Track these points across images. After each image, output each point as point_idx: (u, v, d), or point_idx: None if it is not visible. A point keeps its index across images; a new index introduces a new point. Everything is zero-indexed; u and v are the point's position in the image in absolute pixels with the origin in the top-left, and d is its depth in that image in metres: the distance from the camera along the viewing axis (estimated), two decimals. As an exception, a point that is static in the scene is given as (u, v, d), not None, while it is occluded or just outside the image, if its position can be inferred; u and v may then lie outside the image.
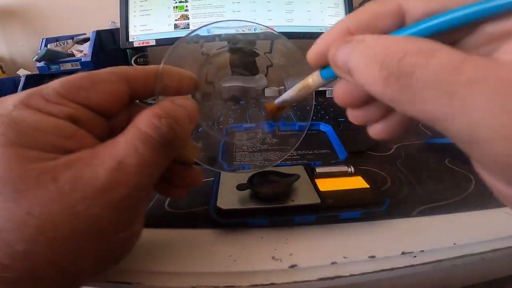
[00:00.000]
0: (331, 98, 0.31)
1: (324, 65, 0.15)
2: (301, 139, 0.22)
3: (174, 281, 0.20)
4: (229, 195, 0.24)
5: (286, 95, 0.18)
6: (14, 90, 0.65)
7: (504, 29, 0.11)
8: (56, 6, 0.82)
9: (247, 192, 0.24)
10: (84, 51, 0.67)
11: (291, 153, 0.27)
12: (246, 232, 0.23)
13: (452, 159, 0.33)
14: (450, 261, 0.21)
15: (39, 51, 0.62)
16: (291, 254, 0.21)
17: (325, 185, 0.25)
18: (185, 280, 0.20)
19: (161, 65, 0.19)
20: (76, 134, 0.15)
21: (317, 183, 0.26)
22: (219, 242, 0.22)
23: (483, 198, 0.26)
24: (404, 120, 0.15)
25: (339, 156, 0.32)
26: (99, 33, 0.65)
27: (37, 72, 0.64)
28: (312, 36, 0.59)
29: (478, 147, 0.10)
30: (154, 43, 0.58)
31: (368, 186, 0.25)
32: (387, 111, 0.15)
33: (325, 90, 0.57)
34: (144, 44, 0.58)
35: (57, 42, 0.68)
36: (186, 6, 0.57)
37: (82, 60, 0.63)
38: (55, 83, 0.16)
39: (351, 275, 0.20)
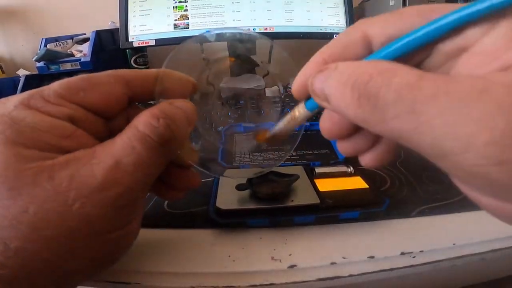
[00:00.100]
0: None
1: (307, 97, 0.16)
2: (297, 142, 0.22)
3: (173, 281, 0.20)
4: (229, 195, 0.24)
5: (276, 128, 0.19)
6: (13, 90, 0.65)
7: (456, 46, 0.12)
8: (55, 6, 0.82)
9: (246, 192, 0.24)
10: (83, 51, 0.67)
11: (290, 154, 0.27)
12: (245, 232, 0.23)
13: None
14: (449, 262, 0.21)
15: (39, 51, 0.62)
16: (290, 254, 0.21)
17: (325, 185, 0.25)
18: (184, 280, 0.20)
19: (162, 68, 0.20)
20: (74, 134, 0.16)
21: (317, 183, 0.26)
22: (218, 242, 0.22)
23: (483, 198, 0.26)
24: (391, 147, 0.16)
25: (339, 156, 0.32)
26: (98, 33, 0.65)
27: (36, 72, 0.64)
28: (311, 36, 0.59)
29: (447, 160, 0.10)
30: (154, 43, 0.58)
31: (368, 186, 0.25)
32: (374, 140, 0.16)
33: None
34: (144, 44, 0.58)
35: (57, 42, 0.68)
36: (186, 6, 0.57)
37: (82, 60, 0.62)
38: (55, 85, 0.16)
39: (350, 276, 0.20)
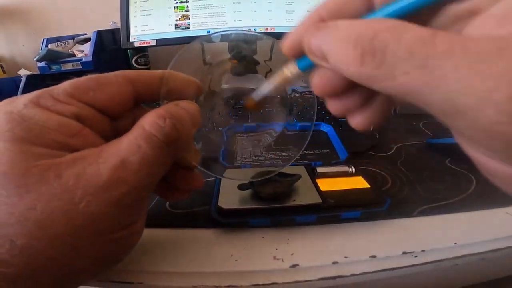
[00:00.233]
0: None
1: (299, 56, 0.15)
2: (306, 142, 0.22)
3: (176, 281, 0.20)
4: (230, 195, 0.24)
5: (263, 89, 0.18)
6: (15, 90, 0.65)
7: (467, 7, 0.11)
8: (57, 6, 0.82)
9: (248, 192, 0.24)
10: (85, 51, 0.67)
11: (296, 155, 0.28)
12: (247, 231, 0.23)
13: (453, 159, 0.33)
14: (450, 261, 0.21)
15: (40, 51, 0.62)
16: (292, 254, 0.21)
17: (326, 185, 0.26)
18: (186, 280, 0.20)
19: (168, 70, 0.20)
20: (81, 132, 0.16)
21: (318, 183, 0.26)
22: (220, 241, 0.23)
23: (484, 198, 0.26)
24: (382, 107, 0.15)
25: (340, 156, 0.32)
26: (100, 33, 0.65)
27: (38, 72, 0.64)
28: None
29: (460, 117, 0.09)
30: (155, 43, 0.58)
31: (369, 186, 0.25)
32: (366, 99, 0.15)
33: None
34: (145, 44, 0.58)
35: (58, 42, 0.68)
36: (187, 6, 0.57)
37: (83, 60, 0.62)
38: (65, 84, 0.17)
39: (352, 275, 0.20)
